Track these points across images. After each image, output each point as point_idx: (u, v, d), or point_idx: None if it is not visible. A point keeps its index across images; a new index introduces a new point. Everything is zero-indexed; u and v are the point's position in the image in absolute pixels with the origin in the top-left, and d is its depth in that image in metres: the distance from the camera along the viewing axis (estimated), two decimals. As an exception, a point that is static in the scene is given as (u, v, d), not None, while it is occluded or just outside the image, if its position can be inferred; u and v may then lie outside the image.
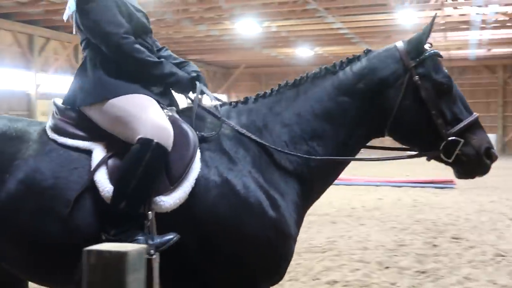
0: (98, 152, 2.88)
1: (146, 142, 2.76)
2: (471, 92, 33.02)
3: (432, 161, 3.12)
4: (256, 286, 2.93)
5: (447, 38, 24.71)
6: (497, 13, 19.61)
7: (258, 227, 2.79)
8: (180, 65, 3.23)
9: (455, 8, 19.66)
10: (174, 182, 2.77)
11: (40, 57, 22.22)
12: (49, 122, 3.09)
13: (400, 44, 3.14)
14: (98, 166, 2.81)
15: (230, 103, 3.23)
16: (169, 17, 20.12)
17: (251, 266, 2.84)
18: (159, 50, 3.33)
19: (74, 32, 3.15)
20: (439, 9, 18.78)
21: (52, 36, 22.48)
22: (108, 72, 2.96)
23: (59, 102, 3.13)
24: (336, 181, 3.26)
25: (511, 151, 32.40)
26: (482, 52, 29.12)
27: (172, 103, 3.13)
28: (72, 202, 2.77)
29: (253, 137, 2.97)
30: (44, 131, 3.06)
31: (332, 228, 8.91)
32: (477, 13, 19.51)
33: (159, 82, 3.06)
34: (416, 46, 3.07)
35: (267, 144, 2.96)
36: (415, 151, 3.15)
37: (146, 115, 2.85)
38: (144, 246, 1.31)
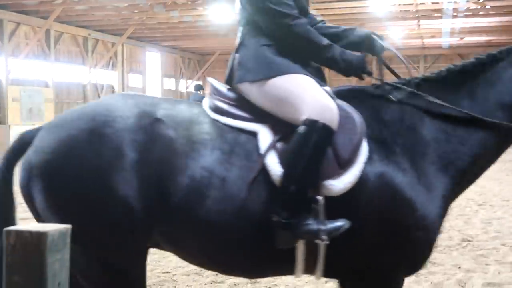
0: (265, 135, 2.79)
1: (312, 123, 2.68)
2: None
3: None
4: (400, 276, 2.91)
5: (420, 27, 24.86)
6: (468, 1, 19.76)
7: (416, 217, 2.74)
8: (344, 33, 3.13)
9: (428, -4, 19.80)
10: (344, 165, 2.68)
11: (11, 42, 21.85)
12: (206, 103, 2.99)
13: None
14: (268, 149, 2.73)
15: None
16: (142, 2, 19.89)
17: (403, 255, 2.81)
18: (316, 24, 3.20)
19: (235, 10, 3.05)
20: (412, -4, 18.90)
21: (22, 21, 22.13)
22: (271, 51, 2.88)
23: (214, 81, 3.06)
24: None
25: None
26: (455, 40, 29.38)
27: (325, 83, 3.02)
28: (247, 186, 2.69)
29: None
30: (204, 111, 2.94)
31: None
32: (449, 1, 19.66)
33: (330, 65, 2.97)
34: None
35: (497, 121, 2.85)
36: None
37: (310, 96, 2.77)
38: (67, 226, 1.27)
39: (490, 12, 21.79)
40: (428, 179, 2.80)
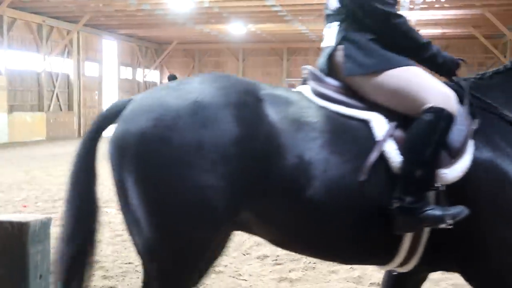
0: (379, 123, 2.85)
1: (439, 111, 2.78)
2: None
3: None
4: None
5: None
6: (425, -6, 20.10)
7: None
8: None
9: (386, -12, 20.00)
10: (455, 155, 2.78)
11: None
12: (307, 89, 3.02)
13: None
14: (386, 137, 2.79)
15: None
16: (98, -11, 19.54)
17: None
18: None
19: (330, 6, 3.11)
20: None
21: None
22: (380, 45, 2.97)
23: (314, 69, 3.08)
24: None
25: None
26: (411, 32, 29.81)
27: None
28: (360, 172, 2.72)
29: None
30: (305, 97, 2.97)
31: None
32: (406, -6, 19.95)
33: (427, 63, 3.06)
34: None
35: None
36: None
37: (432, 85, 2.88)
38: (48, 217, 1.23)
39: (445, 5, 22.20)
40: None
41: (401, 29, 2.99)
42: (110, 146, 2.70)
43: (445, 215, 2.69)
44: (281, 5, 21.81)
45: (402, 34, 2.99)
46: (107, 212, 7.60)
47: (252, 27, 27.80)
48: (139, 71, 36.35)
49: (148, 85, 36.26)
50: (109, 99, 31.08)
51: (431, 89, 2.85)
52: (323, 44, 3.16)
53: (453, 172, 2.77)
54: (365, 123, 2.87)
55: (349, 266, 5.40)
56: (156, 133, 2.59)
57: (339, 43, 3.02)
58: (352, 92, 2.97)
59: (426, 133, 2.77)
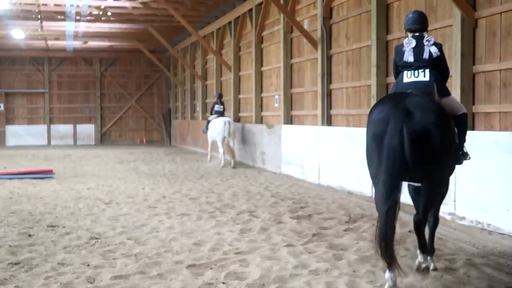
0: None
1: (465, 113, 6.01)
2: (71, 83, 33.50)
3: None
4: None
5: (43, 28, 24.40)
6: (90, 6, 20.19)
7: None
8: None
9: (50, -3, 19.52)
10: None
11: None
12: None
13: None
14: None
15: None
16: None
17: None
18: None
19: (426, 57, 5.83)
20: (34, -4, 18.41)
21: None
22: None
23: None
24: None
25: (108, 141, 33.99)
26: (79, 44, 29.68)
27: None
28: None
29: None
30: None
31: None
32: (71, 5, 19.77)
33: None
34: None
35: None
36: None
37: (460, 103, 6.49)
38: None
39: (111, 19, 22.64)
40: None
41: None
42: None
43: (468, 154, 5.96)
44: None
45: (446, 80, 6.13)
46: None
47: None
48: None
49: None
50: None
51: (460, 105, 6.07)
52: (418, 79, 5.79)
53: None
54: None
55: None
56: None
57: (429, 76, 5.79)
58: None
59: (465, 121, 5.93)
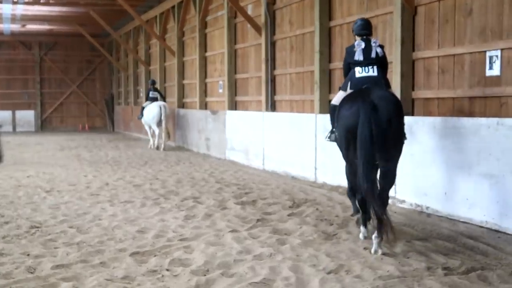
0: None
1: None
2: (8, 68, 32.52)
3: None
4: None
5: (-23, 10, 23.52)
6: (29, -12, 19.57)
7: None
8: None
9: (-15, -22, 18.82)
10: None
11: None
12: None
13: None
14: None
15: None
16: None
17: None
18: None
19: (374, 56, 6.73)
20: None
21: None
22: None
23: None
24: None
25: (48, 128, 33.21)
26: (17, 27, 28.76)
27: None
28: None
29: None
30: None
31: None
32: (8, -13, 19.12)
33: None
34: None
35: None
36: None
37: None
38: None
39: (51, 1, 21.99)
40: None
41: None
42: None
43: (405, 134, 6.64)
44: None
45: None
46: None
47: None
48: None
49: None
50: None
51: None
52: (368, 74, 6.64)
53: None
54: None
55: None
56: None
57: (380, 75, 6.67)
58: None
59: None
